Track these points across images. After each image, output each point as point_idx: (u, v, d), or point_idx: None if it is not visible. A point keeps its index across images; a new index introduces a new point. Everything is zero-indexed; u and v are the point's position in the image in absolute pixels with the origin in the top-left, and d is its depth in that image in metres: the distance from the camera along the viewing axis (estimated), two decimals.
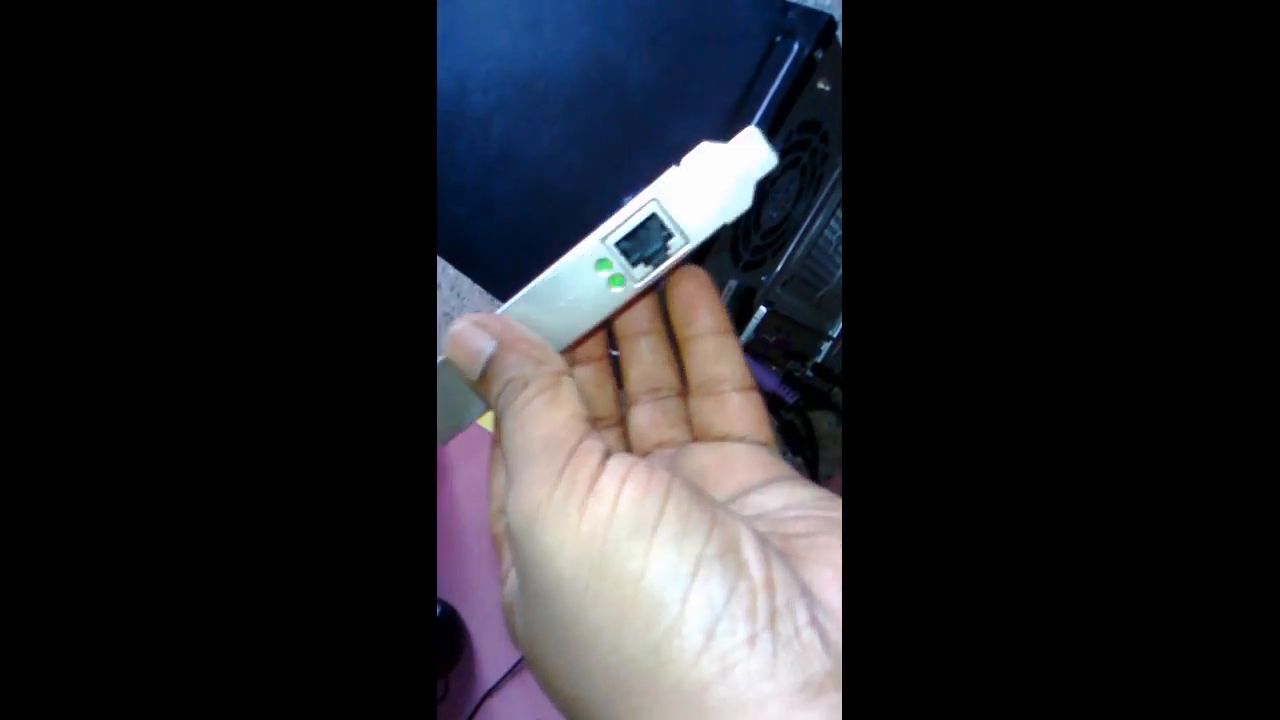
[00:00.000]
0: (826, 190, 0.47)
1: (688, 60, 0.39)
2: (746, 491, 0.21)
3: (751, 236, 0.42)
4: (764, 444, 0.23)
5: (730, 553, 0.16)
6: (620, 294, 0.21)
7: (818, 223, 0.48)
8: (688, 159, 0.21)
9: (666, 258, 0.21)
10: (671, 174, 0.21)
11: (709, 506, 0.17)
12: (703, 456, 0.23)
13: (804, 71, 0.36)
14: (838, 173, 0.46)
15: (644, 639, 0.15)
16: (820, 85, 0.38)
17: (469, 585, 0.73)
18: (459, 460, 0.80)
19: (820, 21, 0.36)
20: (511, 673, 0.68)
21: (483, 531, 0.76)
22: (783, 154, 0.39)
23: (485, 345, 0.20)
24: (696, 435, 0.24)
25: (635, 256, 0.21)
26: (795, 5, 0.37)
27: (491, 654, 0.70)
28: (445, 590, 0.73)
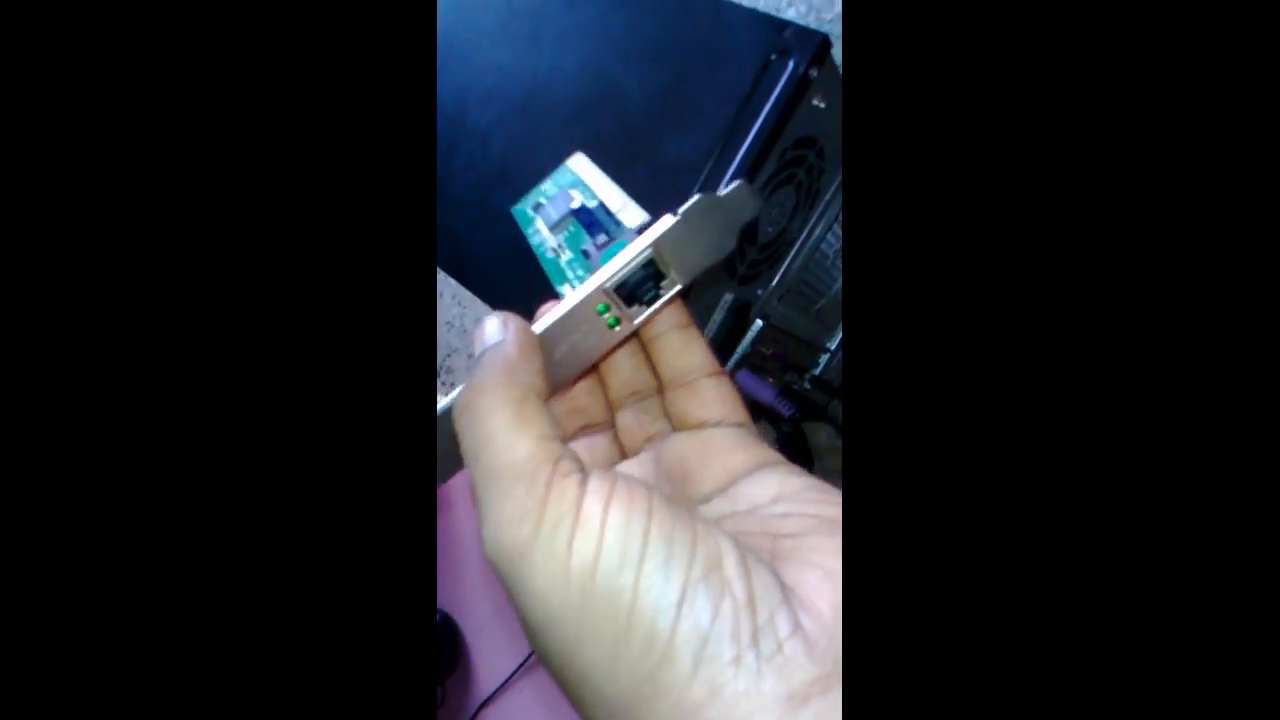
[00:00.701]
0: (823, 204, 0.47)
1: (685, 77, 0.39)
2: (735, 480, 0.21)
3: (747, 251, 0.42)
4: (740, 425, 0.23)
5: (714, 571, 0.16)
6: (619, 333, 0.23)
7: (814, 236, 0.48)
8: (685, 209, 0.22)
9: (659, 298, 0.23)
10: (666, 221, 0.22)
11: (690, 522, 0.17)
12: (683, 445, 0.23)
13: (799, 89, 0.37)
14: (834, 186, 0.47)
15: (637, 670, 0.15)
16: (815, 102, 0.39)
17: (466, 592, 0.73)
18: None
19: (815, 40, 0.36)
20: (508, 681, 0.68)
21: (478, 540, 0.76)
22: (778, 170, 0.40)
23: (493, 336, 0.20)
24: (675, 426, 0.24)
25: (631, 298, 0.23)
26: (791, 24, 0.37)
27: (489, 661, 0.70)
28: (442, 598, 0.73)
